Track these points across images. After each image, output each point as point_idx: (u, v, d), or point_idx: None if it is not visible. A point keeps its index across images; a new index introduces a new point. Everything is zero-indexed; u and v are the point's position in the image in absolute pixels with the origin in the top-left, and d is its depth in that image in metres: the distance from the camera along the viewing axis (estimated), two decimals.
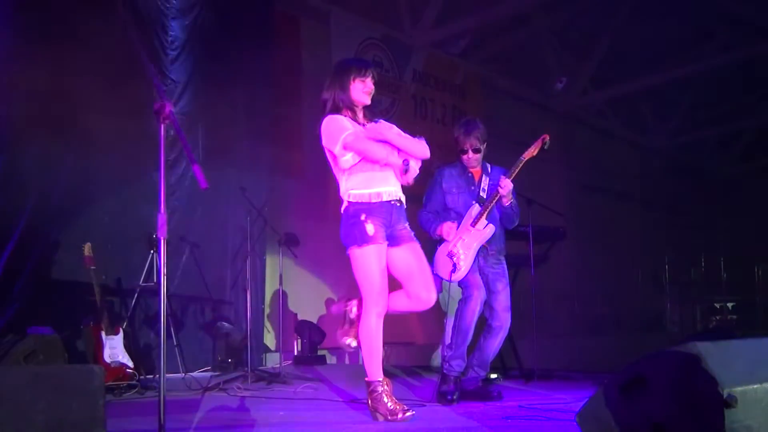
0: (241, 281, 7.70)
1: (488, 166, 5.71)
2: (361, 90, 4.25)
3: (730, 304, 14.96)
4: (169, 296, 6.47)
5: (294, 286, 8.42)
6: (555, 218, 6.88)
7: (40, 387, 2.29)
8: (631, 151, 15.43)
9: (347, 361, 9.01)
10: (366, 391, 4.13)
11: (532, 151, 5.46)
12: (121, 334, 5.89)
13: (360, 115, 4.29)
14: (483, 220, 5.22)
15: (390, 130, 4.19)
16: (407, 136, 4.29)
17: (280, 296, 7.16)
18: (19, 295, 6.23)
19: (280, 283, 7.11)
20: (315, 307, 8.77)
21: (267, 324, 8.38)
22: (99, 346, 5.72)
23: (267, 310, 8.38)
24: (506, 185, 5.29)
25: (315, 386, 5.84)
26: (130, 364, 5.78)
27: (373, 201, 4.10)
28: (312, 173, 8.52)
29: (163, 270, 3.01)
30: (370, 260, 4.06)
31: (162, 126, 2.97)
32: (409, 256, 4.20)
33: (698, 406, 2.36)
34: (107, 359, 5.68)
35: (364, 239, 4.04)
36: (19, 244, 6.28)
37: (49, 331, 5.76)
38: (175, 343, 6.79)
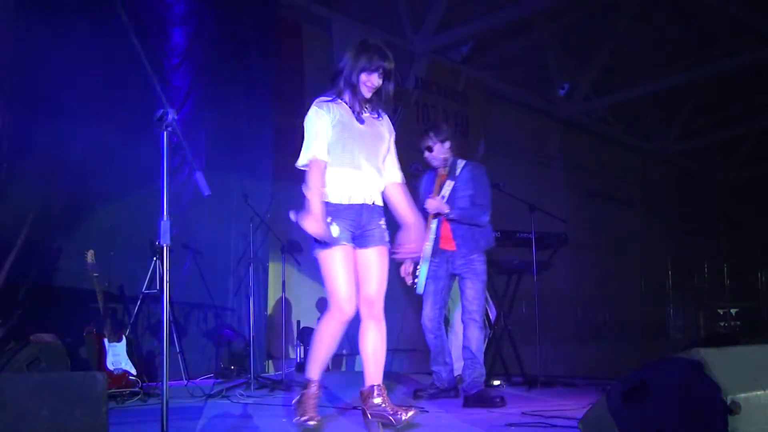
0: (244, 288, 7.70)
1: (458, 167, 5.75)
2: (364, 83, 4.06)
3: (733, 311, 14.93)
4: (171, 303, 6.48)
5: (297, 293, 8.42)
6: (557, 224, 6.88)
7: (43, 394, 2.29)
8: (633, 157, 15.44)
9: (343, 368, 9.00)
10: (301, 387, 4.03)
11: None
12: (124, 341, 5.87)
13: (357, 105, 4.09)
14: (428, 235, 5.42)
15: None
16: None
17: (283, 303, 7.16)
18: (22, 303, 6.23)
19: (283, 290, 7.10)
20: (317, 314, 8.76)
21: (270, 331, 8.38)
22: (102, 353, 5.71)
23: (270, 317, 8.38)
24: (429, 205, 5.51)
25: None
26: (133, 371, 5.77)
27: (343, 203, 3.94)
28: None
29: (166, 277, 3.01)
30: (333, 263, 3.91)
31: (164, 133, 2.97)
32: (369, 259, 4.04)
33: (702, 412, 2.36)
34: (110, 366, 5.67)
35: (329, 241, 3.91)
36: (22, 251, 6.29)
37: (51, 338, 5.76)
38: (177, 350, 6.78)
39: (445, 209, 5.51)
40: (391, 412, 3.82)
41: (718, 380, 2.34)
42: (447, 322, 6.24)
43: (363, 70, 4.02)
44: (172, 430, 2.99)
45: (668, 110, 14.47)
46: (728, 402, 2.29)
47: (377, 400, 3.89)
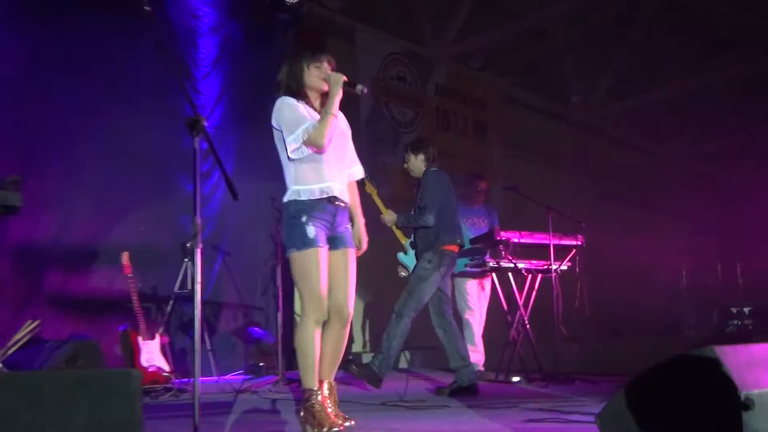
0: (272, 288, 7.72)
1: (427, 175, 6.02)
2: (317, 76, 3.99)
3: (746, 309, 14.76)
4: (202, 303, 6.51)
5: None
6: (574, 225, 6.84)
7: (80, 390, 2.30)
8: (648, 159, 15.32)
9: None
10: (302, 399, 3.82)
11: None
12: (158, 339, 5.91)
13: (317, 102, 4.03)
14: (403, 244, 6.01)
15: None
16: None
17: None
18: (61, 303, 6.30)
19: None
20: None
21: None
22: (136, 351, 5.75)
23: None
24: (382, 221, 5.94)
25: (343, 388, 5.84)
26: (166, 367, 5.81)
27: (321, 197, 3.83)
28: None
29: (198, 277, 3.01)
30: (308, 265, 3.76)
31: (195, 139, 2.99)
32: (339, 262, 3.94)
33: (716, 408, 2.34)
34: (144, 363, 5.71)
35: (304, 243, 3.76)
36: (62, 254, 6.36)
37: (88, 337, 5.81)
38: (208, 348, 6.81)
39: (391, 220, 5.94)
40: (317, 421, 3.65)
41: (733, 377, 2.32)
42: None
43: (310, 63, 4.01)
44: (204, 424, 3.00)
45: (681, 114, 14.37)
46: (742, 398, 2.27)
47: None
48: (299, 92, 4.00)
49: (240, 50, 8.07)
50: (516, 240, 6.51)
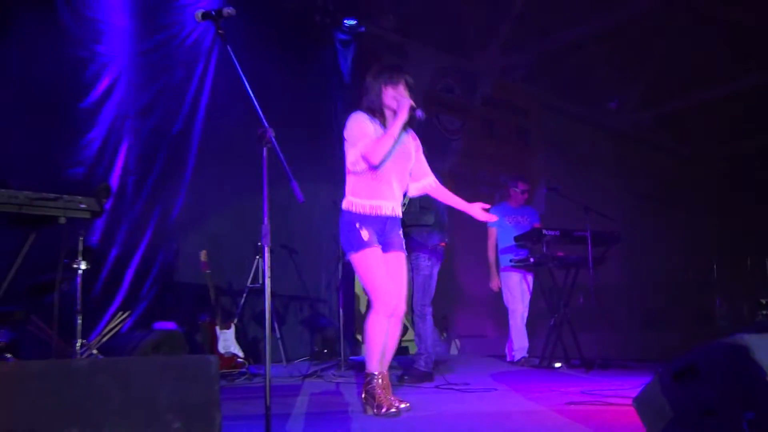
0: (334, 282, 7.77)
1: None
2: (392, 96, 3.93)
3: None
4: (272, 295, 6.57)
5: None
6: (610, 224, 6.74)
7: (164, 374, 2.34)
8: (680, 161, 15.02)
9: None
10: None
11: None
12: (233, 328, 5.98)
13: (389, 121, 3.96)
14: None
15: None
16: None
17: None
18: (147, 296, 6.42)
19: None
20: None
21: (357, 318, 8.42)
22: (214, 339, 5.83)
23: (357, 307, 8.42)
24: None
25: (399, 373, 5.85)
26: (241, 354, 5.87)
27: (371, 214, 3.87)
28: None
29: (268, 273, 3.04)
30: (369, 263, 3.81)
31: (264, 149, 3.01)
32: (390, 265, 3.95)
33: (747, 393, 2.28)
34: (221, 350, 5.78)
35: (360, 245, 3.82)
36: (146, 252, 6.49)
37: (172, 326, 5.91)
38: (278, 337, 6.88)
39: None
40: (383, 400, 3.69)
41: (762, 363, 2.26)
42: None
43: (387, 83, 3.93)
44: (275, 405, 3.03)
45: (712, 118, 14.07)
46: None
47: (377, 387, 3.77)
48: (377, 110, 3.97)
49: (299, 66, 8.15)
50: (556, 235, 6.44)
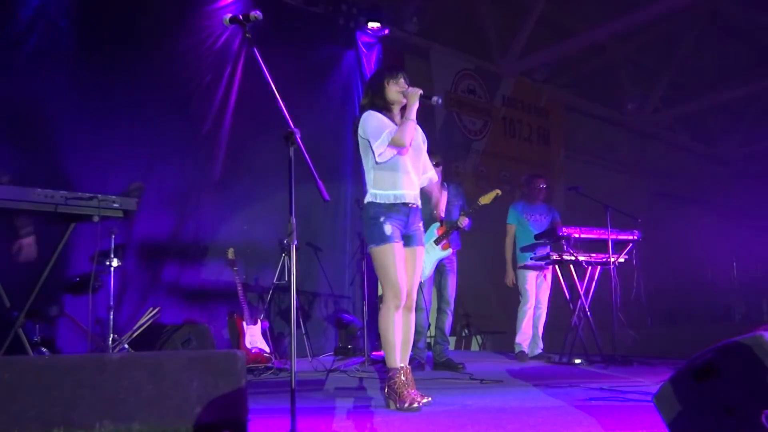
0: (358, 279, 7.77)
1: (445, 184, 5.96)
2: (396, 90, 3.99)
3: None
4: (298, 292, 6.60)
5: None
6: (630, 222, 6.68)
7: (194, 368, 2.36)
8: (699, 160, 14.87)
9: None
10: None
11: (486, 200, 5.54)
12: (259, 324, 6.01)
13: (398, 117, 4.02)
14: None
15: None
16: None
17: None
18: (177, 292, 6.47)
19: None
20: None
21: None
22: (241, 335, 5.86)
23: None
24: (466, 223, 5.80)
25: (422, 369, 5.85)
26: (267, 349, 5.90)
27: (396, 203, 3.90)
28: None
29: (293, 270, 3.05)
30: (387, 258, 3.84)
31: (291, 149, 3.02)
32: (410, 258, 4.00)
33: (766, 391, 2.26)
34: (248, 345, 5.81)
35: (382, 239, 3.85)
36: (177, 251, 6.54)
37: (200, 322, 5.96)
38: (303, 332, 6.89)
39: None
40: (406, 395, 3.71)
41: None
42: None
43: (389, 80, 4.01)
44: (300, 399, 3.04)
45: (731, 117, 13.91)
46: None
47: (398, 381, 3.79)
48: (383, 107, 4.03)
49: (324, 68, 8.18)
50: (577, 235, 6.40)
